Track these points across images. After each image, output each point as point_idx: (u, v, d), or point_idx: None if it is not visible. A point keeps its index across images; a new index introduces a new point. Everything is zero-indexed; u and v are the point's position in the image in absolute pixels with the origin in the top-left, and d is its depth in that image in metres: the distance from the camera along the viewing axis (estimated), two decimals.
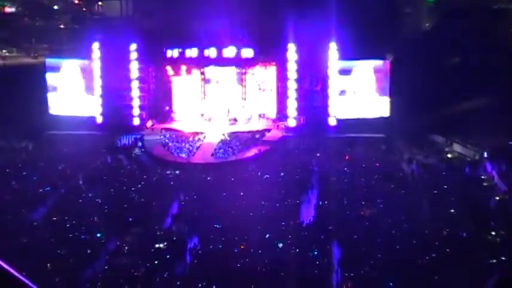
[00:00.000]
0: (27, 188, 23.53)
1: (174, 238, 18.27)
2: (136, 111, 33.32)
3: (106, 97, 33.07)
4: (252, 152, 29.70)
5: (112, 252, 17.23)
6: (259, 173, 25.85)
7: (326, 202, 21.38)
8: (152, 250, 17.47)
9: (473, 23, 32.74)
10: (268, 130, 33.07)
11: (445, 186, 23.56)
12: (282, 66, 33.24)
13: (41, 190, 23.29)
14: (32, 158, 28.58)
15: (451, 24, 34.35)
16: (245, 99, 34.91)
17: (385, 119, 32.42)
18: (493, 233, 18.40)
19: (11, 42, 39.21)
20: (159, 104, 35.50)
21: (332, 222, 19.04)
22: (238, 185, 23.80)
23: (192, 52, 33.89)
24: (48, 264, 16.22)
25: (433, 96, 29.71)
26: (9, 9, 41.04)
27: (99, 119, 33.21)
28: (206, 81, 35.23)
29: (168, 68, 35.62)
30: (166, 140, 31.44)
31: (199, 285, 15.09)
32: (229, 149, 30.15)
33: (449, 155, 29.20)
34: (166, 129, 33.18)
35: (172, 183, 25.18)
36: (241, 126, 33.65)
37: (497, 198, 22.24)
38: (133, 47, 32.86)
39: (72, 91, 33.70)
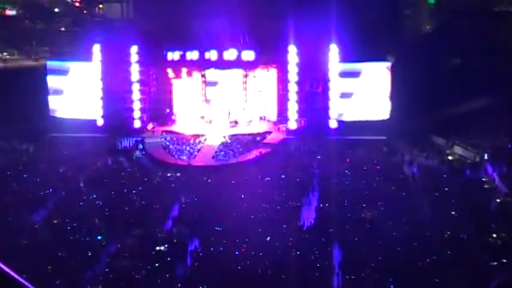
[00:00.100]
0: (28, 190, 23.55)
1: (175, 240, 18.28)
2: (137, 113, 33.29)
3: (107, 99, 33.07)
4: (252, 155, 29.64)
5: (113, 254, 17.24)
6: (260, 176, 25.82)
7: (327, 204, 21.37)
8: (153, 252, 17.48)
9: (474, 25, 32.70)
10: (269, 132, 32.99)
11: (446, 189, 23.56)
12: (283, 69, 33.19)
13: (41, 192, 23.30)
14: (33, 160, 28.61)
15: (451, 27, 34.36)
16: (246, 101, 34.88)
17: (386, 121, 32.34)
18: (494, 235, 18.40)
19: (12, 45, 39.27)
20: (159, 106, 35.45)
21: (333, 225, 19.03)
22: (239, 188, 23.79)
23: (192, 55, 33.83)
24: (49, 267, 16.23)
25: (433, 98, 29.64)
26: (10, 12, 41.11)
27: (100, 122, 33.18)
28: (207, 83, 35.22)
29: (169, 70, 35.53)
30: (167, 143, 31.42)
31: (200, 287, 15.11)
32: (230, 151, 30.13)
33: (450, 157, 29.19)
34: (167, 132, 33.12)
35: (173, 185, 25.19)
36: (242, 129, 33.55)
37: (498, 200, 22.22)
38: (134, 49, 32.82)
39: (74, 93, 33.69)
